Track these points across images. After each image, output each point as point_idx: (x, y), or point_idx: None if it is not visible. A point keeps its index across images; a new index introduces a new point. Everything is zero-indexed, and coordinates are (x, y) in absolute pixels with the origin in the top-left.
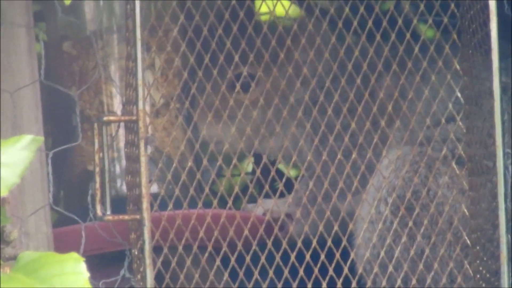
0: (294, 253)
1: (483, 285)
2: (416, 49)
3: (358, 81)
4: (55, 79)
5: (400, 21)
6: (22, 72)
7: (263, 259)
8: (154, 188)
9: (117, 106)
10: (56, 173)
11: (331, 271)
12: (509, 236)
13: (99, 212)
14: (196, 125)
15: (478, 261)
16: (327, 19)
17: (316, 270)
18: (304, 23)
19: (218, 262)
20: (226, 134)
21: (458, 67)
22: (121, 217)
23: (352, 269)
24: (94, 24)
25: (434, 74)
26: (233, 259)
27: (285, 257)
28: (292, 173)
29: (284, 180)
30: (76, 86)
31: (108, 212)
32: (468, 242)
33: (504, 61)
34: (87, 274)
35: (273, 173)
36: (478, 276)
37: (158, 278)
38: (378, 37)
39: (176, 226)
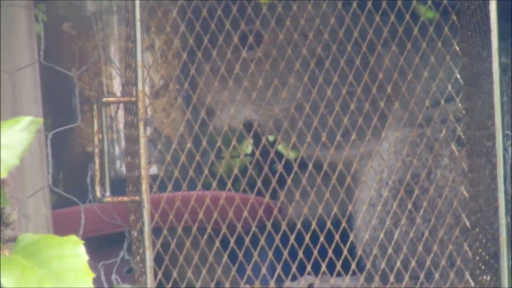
0: (294, 235)
1: (483, 267)
2: (416, 30)
3: (358, 62)
4: (54, 60)
5: (399, 2)
6: (22, 53)
7: (262, 241)
8: (154, 169)
9: (117, 87)
10: (55, 154)
11: (330, 253)
12: (509, 218)
13: (98, 193)
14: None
15: (477, 244)
16: (326, 1)
17: (315, 252)
18: (303, 5)
19: (217, 243)
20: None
21: (457, 48)
22: (120, 198)
23: (352, 251)
24: (94, 5)
25: (433, 55)
26: (232, 241)
27: (285, 239)
28: (291, 155)
29: (283, 161)
30: (76, 67)
31: (108, 194)
32: (468, 224)
33: (504, 42)
34: (86, 257)
35: (272, 154)
36: (478, 258)
37: (158, 259)
38: (377, 18)
39: (176, 208)
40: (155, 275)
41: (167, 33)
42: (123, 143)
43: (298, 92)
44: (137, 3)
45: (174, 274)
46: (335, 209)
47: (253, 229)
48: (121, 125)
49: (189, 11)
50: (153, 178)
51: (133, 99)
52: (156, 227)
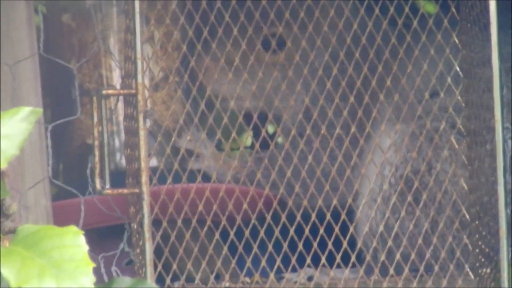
0: (293, 227)
1: (482, 259)
2: (415, 23)
3: (357, 54)
4: (54, 51)
5: None
6: (21, 45)
7: (262, 233)
8: (153, 161)
9: (116, 79)
10: (55, 146)
11: (330, 245)
12: (508, 210)
13: (98, 185)
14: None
15: (477, 236)
16: None
17: (315, 245)
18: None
19: (217, 236)
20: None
21: (456, 40)
22: (120, 190)
23: (352, 244)
24: None
25: (433, 47)
26: (232, 233)
27: (284, 231)
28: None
29: (282, 154)
30: (75, 59)
31: (107, 186)
32: (467, 217)
33: (504, 33)
34: (86, 247)
35: (272, 146)
36: (477, 250)
37: (157, 251)
38: (377, 10)
39: (175, 200)
40: (155, 267)
41: (167, 25)
42: (122, 136)
43: (298, 84)
44: None
45: (174, 266)
46: (335, 201)
47: (252, 221)
48: (120, 118)
49: (189, 3)
50: (153, 170)
51: (133, 91)
52: (156, 219)
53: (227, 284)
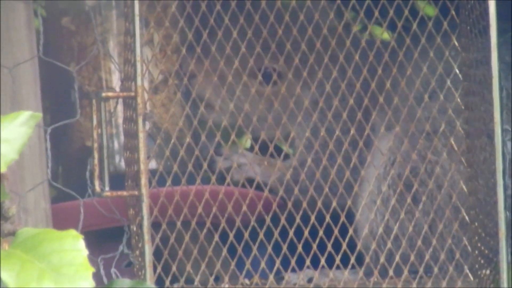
0: (293, 229)
1: (482, 261)
2: (415, 25)
3: (357, 57)
4: (53, 54)
5: None
6: (21, 48)
7: (261, 235)
8: (153, 164)
9: (116, 82)
10: (54, 149)
11: (329, 247)
12: (508, 212)
13: (97, 188)
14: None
15: (476, 238)
16: None
17: (314, 246)
18: None
19: (216, 238)
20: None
21: (456, 43)
22: (119, 193)
23: (351, 245)
24: None
25: (432, 50)
26: (231, 235)
27: (284, 233)
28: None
29: (282, 156)
30: (75, 61)
31: (107, 188)
32: (467, 218)
33: (503, 36)
34: (85, 251)
35: (271, 149)
36: (477, 252)
37: (157, 254)
38: (376, 13)
39: (175, 202)
40: (154, 269)
41: (166, 28)
42: (122, 138)
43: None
44: None
45: (173, 268)
46: (334, 204)
47: (252, 223)
48: (120, 120)
49: (188, 6)
50: (152, 172)
51: (132, 94)
52: (155, 221)
53: (227, 286)
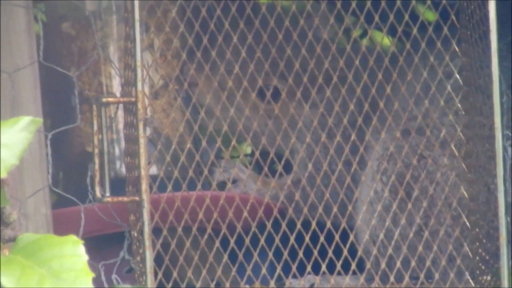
0: (294, 235)
1: (483, 267)
2: (415, 30)
3: (357, 62)
4: (54, 59)
5: (398, 2)
6: (21, 53)
7: (262, 241)
8: (153, 169)
9: (116, 87)
10: (55, 154)
11: (330, 253)
12: (508, 218)
13: (98, 193)
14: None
15: (477, 243)
16: (325, 0)
17: (315, 252)
18: (302, 4)
19: (217, 244)
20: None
21: (456, 48)
22: (120, 198)
23: (352, 251)
24: (93, 4)
25: (432, 55)
26: (232, 241)
27: (285, 239)
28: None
29: (283, 161)
30: (75, 67)
31: (107, 194)
32: (468, 224)
33: (504, 41)
34: (86, 257)
35: (272, 154)
36: (478, 258)
37: (158, 259)
38: (376, 18)
39: (175, 208)
40: (155, 275)
41: (167, 33)
42: (122, 143)
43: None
44: (136, 2)
45: (174, 274)
46: (335, 209)
47: (253, 229)
48: (120, 125)
49: (189, 11)
50: (153, 178)
51: (133, 99)
52: (156, 227)
53: None
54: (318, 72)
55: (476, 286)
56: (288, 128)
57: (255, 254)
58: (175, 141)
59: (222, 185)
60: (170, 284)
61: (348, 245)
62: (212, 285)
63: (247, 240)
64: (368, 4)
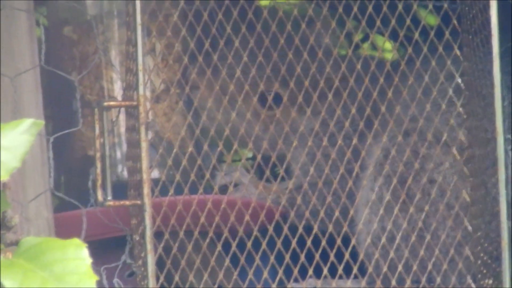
0: (295, 239)
1: (484, 271)
2: (416, 35)
3: (359, 66)
4: (55, 63)
5: (400, 7)
6: (23, 57)
7: (264, 244)
8: (155, 173)
9: (118, 91)
10: (56, 158)
11: (332, 257)
12: (510, 222)
13: (100, 197)
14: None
15: (479, 247)
16: (327, 4)
17: (317, 256)
18: (304, 8)
19: (219, 247)
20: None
21: (458, 52)
22: (122, 202)
23: (354, 255)
24: (94, 9)
25: (434, 59)
26: (234, 245)
27: (286, 243)
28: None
29: (284, 165)
30: (77, 71)
31: (109, 198)
32: (469, 228)
33: (505, 46)
34: (89, 260)
35: (273, 158)
36: (479, 262)
37: (159, 263)
38: (378, 22)
39: (177, 212)
40: (157, 279)
41: (168, 37)
42: (124, 147)
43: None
44: (138, 6)
45: (176, 278)
46: (336, 213)
47: (254, 233)
48: (122, 129)
49: (190, 15)
50: (155, 182)
51: (134, 103)
52: (158, 231)
53: None
54: (320, 77)
55: None
56: (290, 133)
57: (257, 258)
58: (177, 145)
59: (223, 189)
60: None
61: (349, 249)
62: None
63: (249, 244)
64: (370, 8)
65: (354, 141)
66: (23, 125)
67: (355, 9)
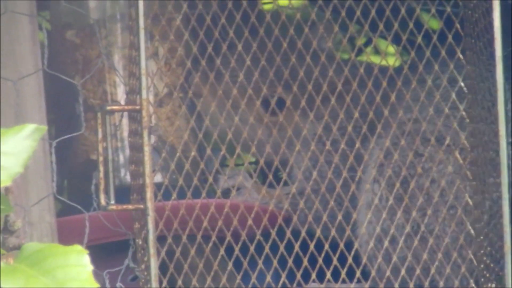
0: (298, 243)
1: (487, 275)
2: (419, 39)
3: (362, 70)
4: (58, 68)
5: (403, 11)
6: (26, 61)
7: (267, 249)
8: (158, 177)
9: (121, 95)
10: (59, 162)
11: (335, 261)
12: None
13: (102, 201)
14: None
15: (482, 251)
16: (330, 8)
17: (320, 260)
18: (307, 12)
19: (222, 251)
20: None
21: (461, 56)
22: (124, 206)
23: (356, 259)
24: (97, 13)
25: (437, 63)
26: (237, 249)
27: (289, 247)
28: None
29: (287, 169)
30: (80, 75)
31: (112, 202)
32: (472, 232)
33: (506, 49)
34: (90, 267)
35: (276, 162)
36: (482, 266)
37: (162, 267)
38: (381, 26)
39: (180, 216)
40: (160, 283)
41: (171, 41)
42: (127, 151)
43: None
44: (141, 10)
45: (179, 282)
46: (339, 217)
47: (257, 237)
48: (125, 133)
49: (193, 19)
50: (158, 186)
51: (137, 107)
52: (161, 235)
53: None
54: (323, 81)
55: None
56: (293, 137)
57: (260, 262)
58: (180, 149)
59: (226, 193)
60: None
61: (352, 253)
62: None
63: (252, 248)
64: (373, 12)
65: (357, 145)
66: (26, 130)
67: (358, 13)
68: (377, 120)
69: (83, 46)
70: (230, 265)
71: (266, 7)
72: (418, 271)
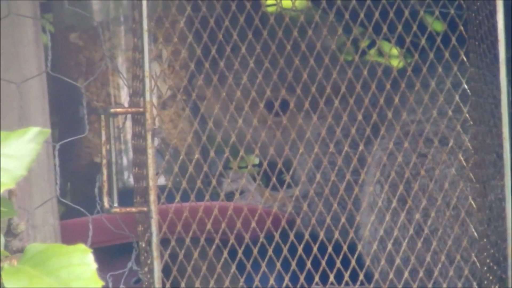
0: (301, 246)
1: (490, 277)
2: (423, 41)
3: (365, 72)
4: (61, 70)
5: (407, 13)
6: (29, 63)
7: (270, 251)
8: (161, 180)
9: (124, 97)
10: (63, 165)
11: (338, 264)
12: None
13: (106, 204)
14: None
15: (485, 254)
16: (333, 10)
17: (323, 263)
18: (310, 14)
19: (225, 254)
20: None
21: (464, 58)
22: (128, 209)
23: (359, 261)
24: (101, 15)
25: (440, 65)
26: (240, 252)
27: (293, 250)
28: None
29: (291, 172)
30: (83, 77)
31: (115, 205)
32: (476, 234)
33: (510, 52)
34: (94, 266)
35: (280, 164)
36: (485, 268)
37: (166, 270)
38: (384, 28)
39: (184, 219)
40: (163, 285)
41: (175, 44)
42: (131, 154)
43: (307, 103)
44: (144, 13)
45: (182, 285)
46: (343, 220)
47: (261, 239)
48: (128, 136)
49: (197, 22)
50: (161, 188)
51: (141, 109)
52: (164, 237)
53: None
54: (327, 83)
55: None
56: (296, 139)
57: (263, 265)
58: (183, 152)
59: (230, 196)
60: None
61: (355, 255)
62: None
63: (255, 251)
64: (376, 14)
65: (361, 147)
66: (29, 134)
67: (362, 15)
68: (380, 123)
69: (87, 48)
70: (233, 268)
71: (270, 9)
72: (421, 273)
